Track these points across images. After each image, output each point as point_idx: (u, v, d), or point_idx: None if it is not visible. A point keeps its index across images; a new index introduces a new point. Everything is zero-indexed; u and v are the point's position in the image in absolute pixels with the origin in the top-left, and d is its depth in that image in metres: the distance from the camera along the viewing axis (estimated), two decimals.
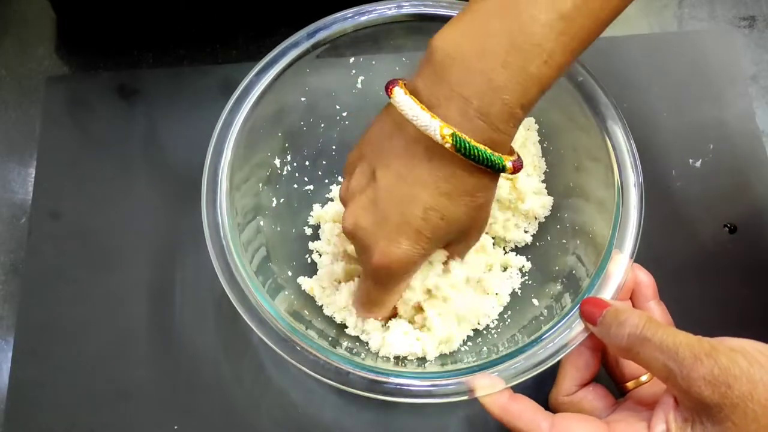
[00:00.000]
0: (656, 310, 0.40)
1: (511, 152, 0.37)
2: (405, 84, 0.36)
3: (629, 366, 0.39)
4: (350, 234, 0.38)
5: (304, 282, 0.47)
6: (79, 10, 0.58)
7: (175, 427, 0.45)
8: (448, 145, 0.34)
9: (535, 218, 0.49)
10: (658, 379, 0.34)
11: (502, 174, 0.36)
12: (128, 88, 0.55)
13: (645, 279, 0.40)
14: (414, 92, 0.35)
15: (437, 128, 0.34)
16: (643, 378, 0.39)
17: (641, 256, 0.40)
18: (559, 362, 0.39)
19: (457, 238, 0.39)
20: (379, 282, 0.39)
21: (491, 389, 0.37)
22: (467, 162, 0.35)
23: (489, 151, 0.34)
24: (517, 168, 0.36)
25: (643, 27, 0.59)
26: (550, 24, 0.33)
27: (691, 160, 0.53)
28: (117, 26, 0.58)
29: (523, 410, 0.36)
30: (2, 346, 0.48)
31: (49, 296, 0.49)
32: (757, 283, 0.49)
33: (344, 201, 0.39)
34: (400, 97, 0.35)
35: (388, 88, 0.36)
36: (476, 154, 0.34)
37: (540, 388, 0.40)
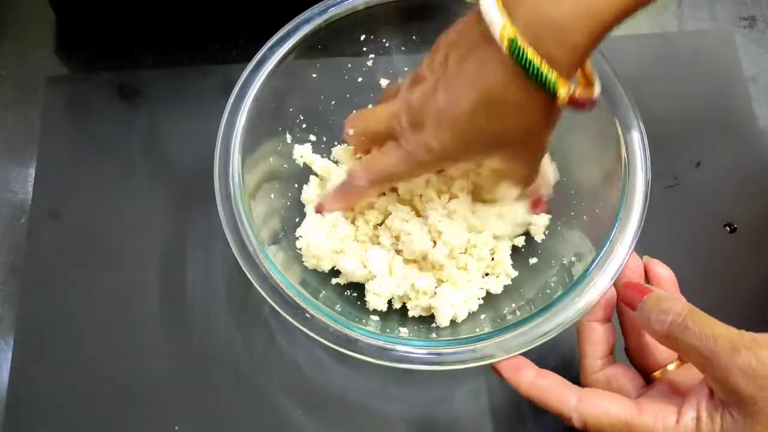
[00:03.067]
0: None
1: (578, 82, 0.36)
2: None
3: (654, 356, 0.39)
4: (405, 108, 0.39)
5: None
6: (79, 11, 0.58)
7: (176, 428, 0.45)
8: (503, 47, 0.33)
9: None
10: (696, 368, 0.34)
11: (563, 107, 0.35)
12: (128, 89, 0.55)
13: (664, 273, 0.41)
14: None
15: (500, 27, 0.33)
16: (670, 367, 0.39)
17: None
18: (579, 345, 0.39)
19: (499, 155, 0.40)
20: (404, 159, 0.40)
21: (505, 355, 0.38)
22: (520, 75, 0.34)
23: (544, 64, 0.33)
24: (580, 101, 0.35)
25: (643, 27, 0.59)
26: None
27: (691, 160, 0.53)
28: (117, 27, 0.58)
29: (551, 385, 0.37)
30: (2, 346, 0.48)
31: (49, 296, 0.49)
32: (757, 283, 0.49)
33: (419, 76, 0.40)
34: None
35: None
36: (527, 63, 0.33)
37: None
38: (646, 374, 0.39)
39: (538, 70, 0.33)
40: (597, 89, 0.36)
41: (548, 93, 0.34)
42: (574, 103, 0.35)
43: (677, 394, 0.36)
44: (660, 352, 0.39)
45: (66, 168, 0.53)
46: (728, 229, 0.51)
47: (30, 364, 0.47)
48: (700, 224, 0.51)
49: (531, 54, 0.33)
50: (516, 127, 0.37)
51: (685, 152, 0.53)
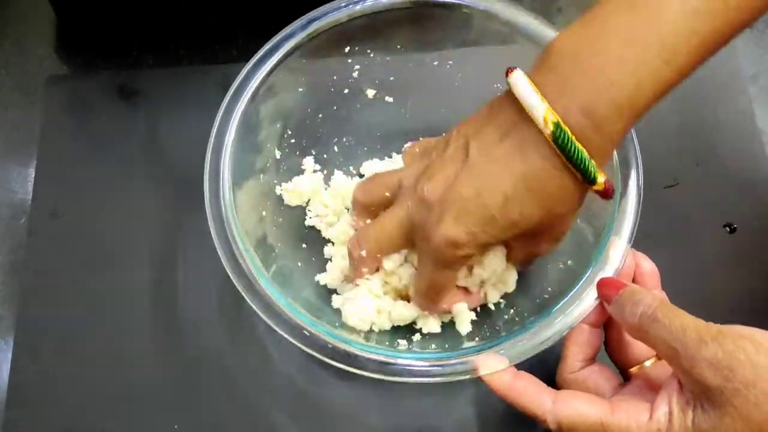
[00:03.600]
0: None
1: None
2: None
3: (633, 352, 0.39)
4: (420, 201, 0.37)
5: (321, 278, 0.47)
6: (79, 11, 0.58)
7: (175, 427, 0.45)
8: (547, 132, 0.32)
9: None
10: (664, 360, 0.34)
11: (590, 189, 0.35)
12: (128, 89, 0.55)
13: (648, 267, 0.41)
14: None
15: (543, 111, 0.32)
16: (647, 363, 0.39)
17: None
18: (564, 343, 0.39)
19: (522, 240, 0.38)
20: (438, 263, 0.38)
21: (495, 368, 0.37)
22: (560, 161, 0.33)
23: (586, 153, 0.33)
24: (609, 190, 0.35)
25: None
26: (679, 19, 0.31)
27: (691, 160, 0.53)
28: (117, 26, 0.58)
29: (527, 387, 0.37)
30: (2, 346, 0.48)
31: (49, 296, 0.49)
32: (757, 283, 0.49)
33: (430, 171, 0.38)
34: (518, 75, 0.34)
35: (508, 71, 0.34)
36: (572, 150, 0.32)
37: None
38: (625, 370, 0.40)
39: (582, 157, 0.33)
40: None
41: (587, 181, 0.34)
42: (605, 191, 0.35)
43: (651, 390, 0.36)
44: (638, 347, 0.39)
45: (66, 168, 0.53)
46: (728, 229, 0.51)
47: (30, 364, 0.47)
48: (700, 224, 0.51)
49: (576, 141, 0.32)
50: (545, 216, 0.35)
51: (685, 152, 0.54)
